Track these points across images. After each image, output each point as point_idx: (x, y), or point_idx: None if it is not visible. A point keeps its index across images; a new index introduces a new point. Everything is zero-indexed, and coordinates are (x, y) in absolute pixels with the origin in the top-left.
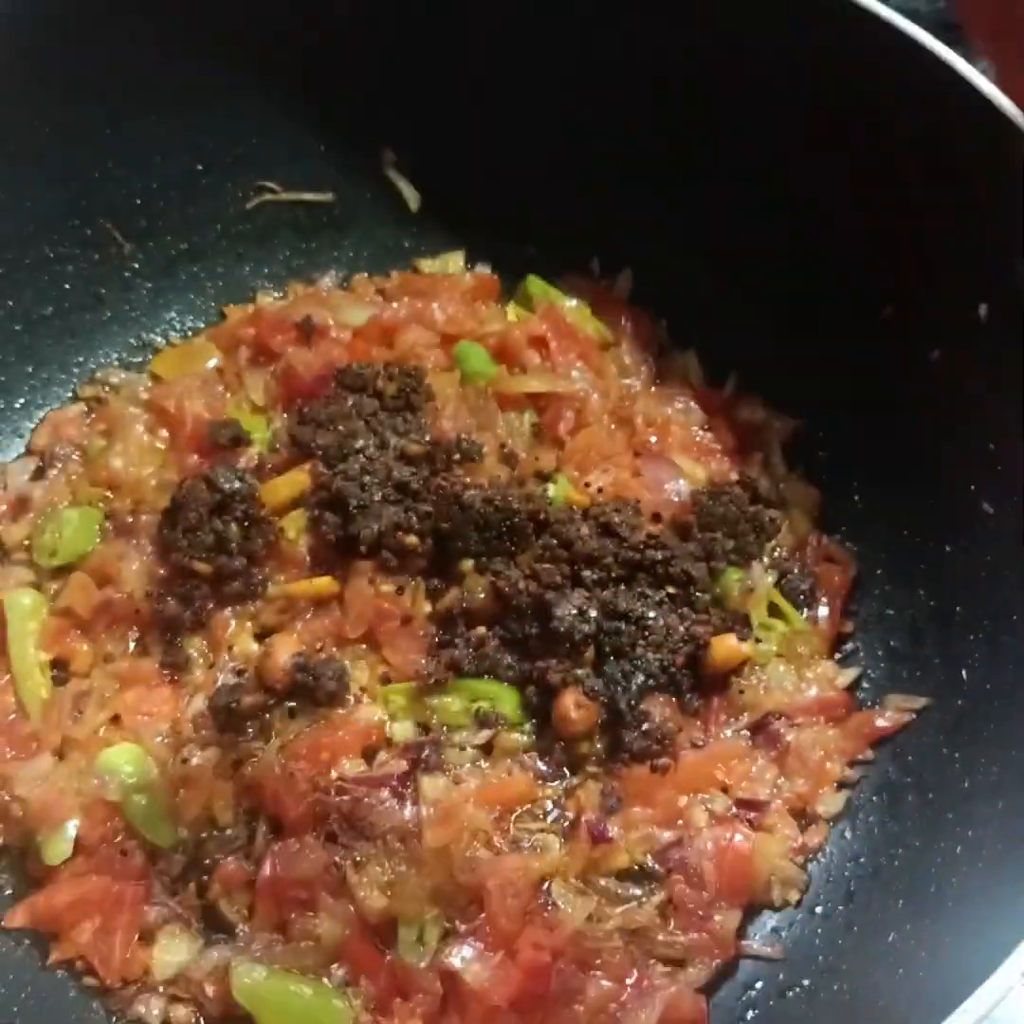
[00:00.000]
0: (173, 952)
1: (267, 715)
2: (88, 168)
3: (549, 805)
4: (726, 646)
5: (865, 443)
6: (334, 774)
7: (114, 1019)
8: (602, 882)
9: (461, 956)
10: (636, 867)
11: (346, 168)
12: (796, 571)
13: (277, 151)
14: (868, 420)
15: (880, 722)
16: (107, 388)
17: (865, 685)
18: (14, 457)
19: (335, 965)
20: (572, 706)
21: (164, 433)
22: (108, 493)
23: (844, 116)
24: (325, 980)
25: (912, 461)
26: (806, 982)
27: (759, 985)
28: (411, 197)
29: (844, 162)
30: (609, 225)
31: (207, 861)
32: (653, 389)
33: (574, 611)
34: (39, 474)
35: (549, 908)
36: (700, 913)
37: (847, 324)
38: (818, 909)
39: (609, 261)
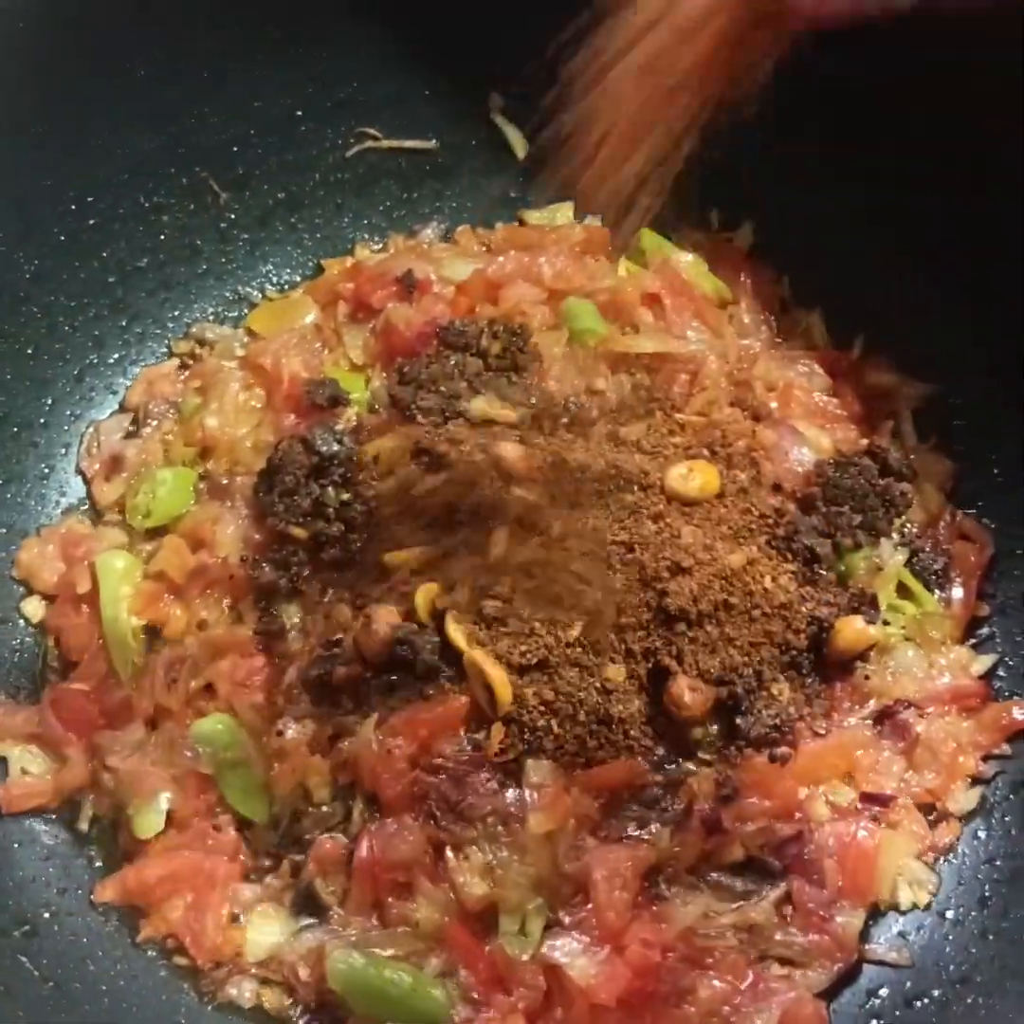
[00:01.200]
0: (266, 933)
1: (365, 689)
2: (184, 113)
3: (660, 793)
4: (852, 629)
5: (1004, 411)
6: (434, 752)
7: (205, 1001)
8: (715, 876)
9: (566, 949)
10: (752, 861)
11: (450, 114)
12: (928, 549)
13: (379, 96)
14: (1008, 386)
15: (1019, 714)
16: (202, 344)
17: (1002, 673)
18: (108, 414)
19: (433, 954)
20: (686, 689)
21: (260, 391)
22: (202, 453)
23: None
24: (422, 968)
25: None
26: (936, 992)
27: (884, 992)
28: (518, 144)
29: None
30: (729, 175)
31: (302, 838)
32: (774, 351)
33: (692, 586)
34: (133, 432)
35: (659, 902)
36: (820, 912)
37: (987, 281)
38: (949, 914)
39: (729, 214)
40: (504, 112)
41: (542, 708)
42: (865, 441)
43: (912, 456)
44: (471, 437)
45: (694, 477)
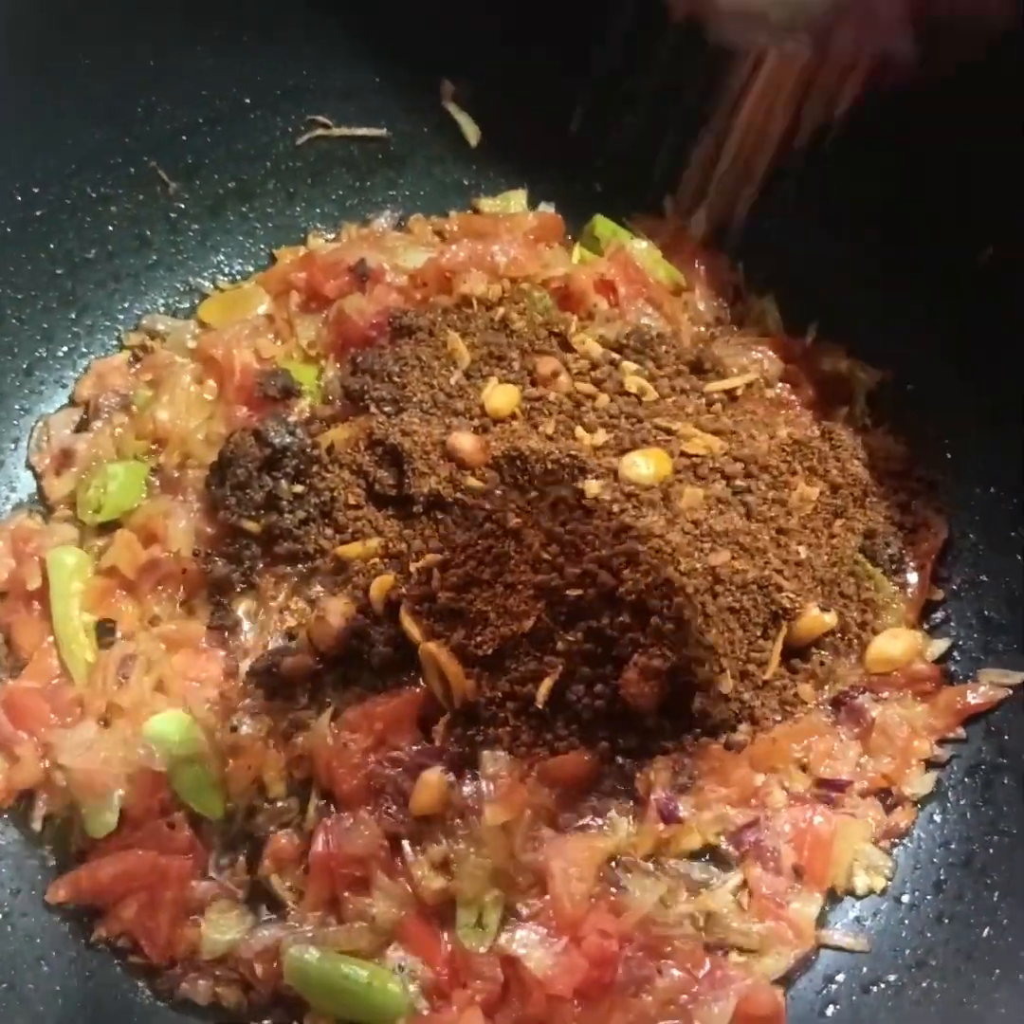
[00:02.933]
0: (222, 930)
1: (319, 682)
2: (131, 102)
3: (616, 782)
4: (809, 616)
5: (957, 396)
6: (390, 745)
7: (161, 999)
8: (672, 864)
9: (523, 941)
10: (709, 849)
11: (402, 101)
12: (882, 534)
13: (329, 84)
14: (961, 371)
15: (973, 698)
16: (153, 336)
17: (957, 657)
18: (57, 408)
19: (390, 948)
20: (641, 679)
21: (212, 383)
22: (154, 447)
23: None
24: (380, 963)
25: (1009, 416)
26: (892, 977)
27: (841, 978)
28: (471, 132)
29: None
30: (683, 163)
31: (257, 834)
32: (729, 337)
33: (646, 576)
34: (83, 426)
35: (616, 891)
36: (777, 899)
37: (939, 268)
38: (905, 898)
39: (682, 201)
40: (456, 99)
41: (498, 699)
42: (817, 429)
43: (866, 441)
44: (424, 428)
45: (647, 464)
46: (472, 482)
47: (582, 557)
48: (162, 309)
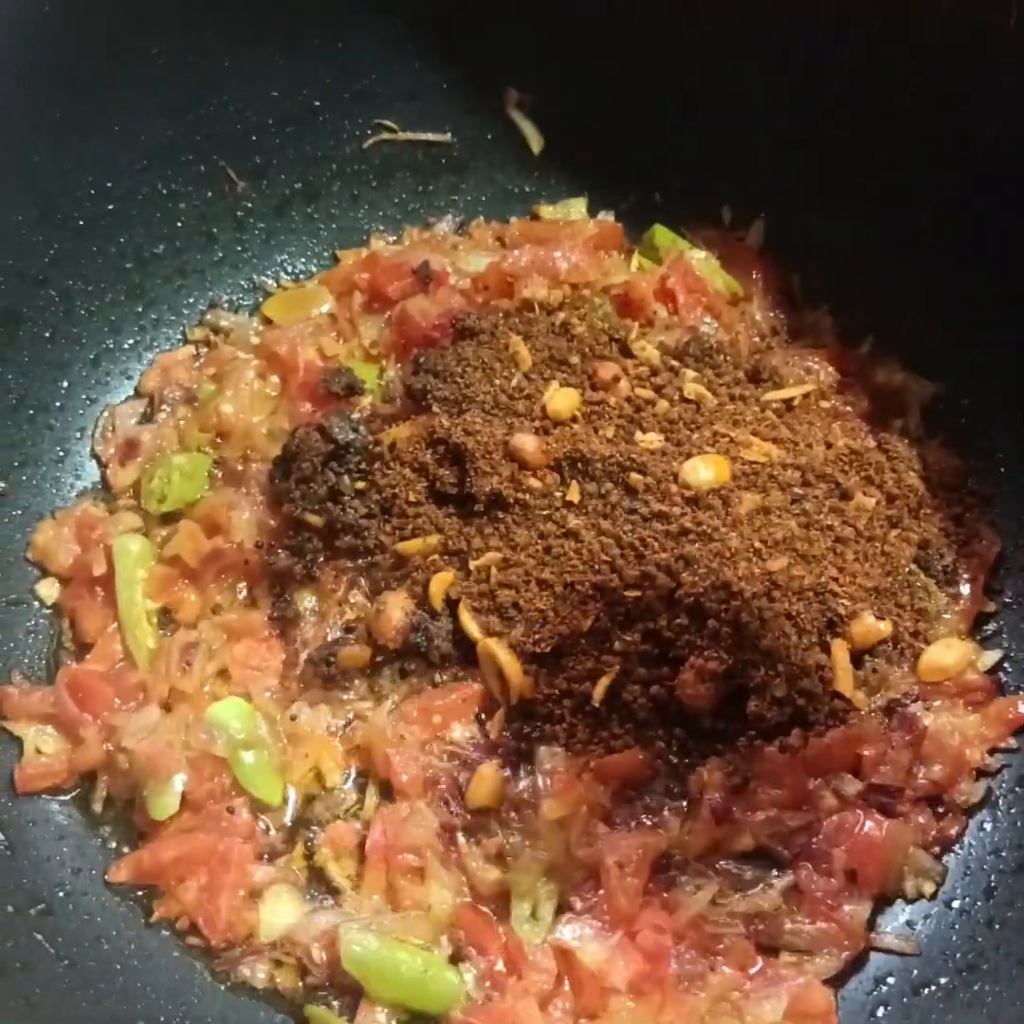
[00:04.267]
0: (280, 914)
1: (377, 675)
2: (203, 100)
3: (670, 782)
4: (863, 624)
5: (1011, 410)
6: (447, 738)
7: (218, 980)
8: (724, 864)
9: (578, 934)
10: (761, 850)
11: (467, 108)
12: (936, 545)
13: (396, 88)
14: (1015, 385)
15: None
16: (217, 331)
17: (1008, 668)
18: (123, 399)
19: (444, 937)
20: (697, 680)
21: (275, 379)
22: (217, 439)
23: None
24: (435, 952)
25: None
26: (943, 980)
27: (891, 980)
28: (534, 139)
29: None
30: (741, 172)
31: (315, 822)
32: (785, 348)
33: (704, 579)
34: (147, 417)
35: (669, 889)
36: (828, 901)
37: (996, 283)
38: (955, 903)
39: (741, 211)
40: (520, 106)
41: (554, 696)
42: (872, 440)
43: (920, 453)
44: (487, 428)
45: (707, 469)
46: (533, 482)
47: (641, 559)
48: (226, 305)
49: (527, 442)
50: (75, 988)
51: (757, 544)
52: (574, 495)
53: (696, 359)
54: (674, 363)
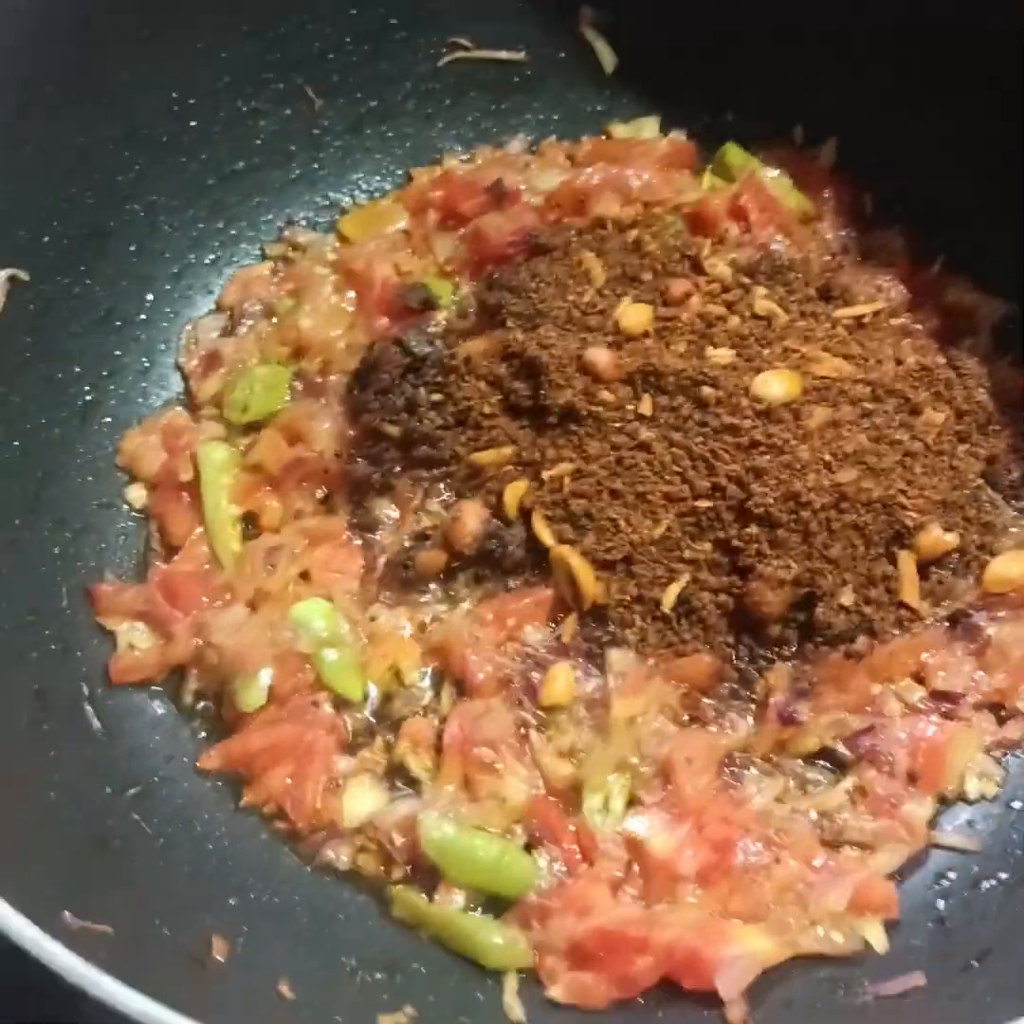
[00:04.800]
0: (362, 802)
1: (454, 580)
2: (282, 19)
3: (738, 685)
4: (930, 536)
5: None
6: (520, 640)
7: (303, 862)
8: (790, 764)
9: (647, 825)
10: (826, 752)
11: (540, 25)
12: (1004, 460)
13: (471, 6)
14: None
15: None
16: (295, 248)
17: None
18: (205, 313)
19: (519, 827)
20: (766, 588)
21: (351, 295)
22: (296, 353)
23: None
24: (511, 839)
25: None
26: (1003, 876)
27: (952, 875)
28: (607, 58)
29: None
30: (814, 91)
31: (394, 717)
32: (856, 266)
33: (774, 489)
34: (228, 331)
35: (736, 787)
36: (891, 800)
37: None
38: (1016, 804)
39: (813, 130)
40: (594, 25)
41: (626, 602)
42: (942, 358)
43: (989, 371)
44: (561, 342)
45: (779, 384)
46: (606, 395)
47: (713, 470)
48: (303, 222)
49: (600, 356)
50: (170, 865)
51: (827, 457)
52: (646, 408)
53: (767, 276)
54: (745, 280)
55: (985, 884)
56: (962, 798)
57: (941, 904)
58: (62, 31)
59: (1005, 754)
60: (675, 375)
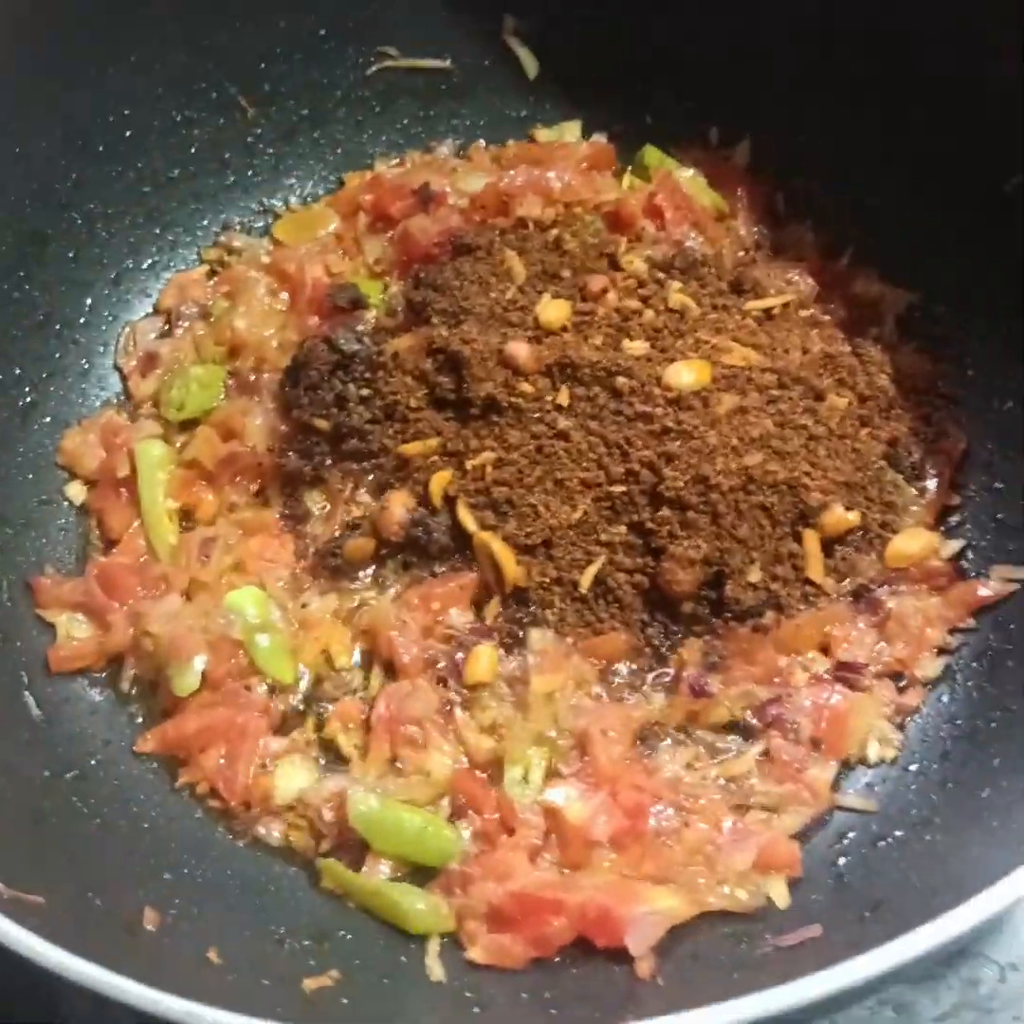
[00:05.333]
0: (293, 779)
1: (381, 566)
2: (215, 30)
3: (652, 661)
4: (834, 515)
5: (983, 317)
6: (445, 623)
7: (236, 838)
8: (701, 734)
9: (564, 795)
10: (735, 723)
11: (466, 34)
12: (905, 443)
13: (397, 15)
14: (987, 294)
15: (983, 591)
16: (230, 252)
17: (970, 556)
18: (142, 316)
19: (445, 801)
20: (678, 567)
21: (284, 296)
22: (230, 352)
23: None
24: (434, 812)
25: None
26: (899, 833)
27: (852, 835)
28: (530, 65)
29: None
30: (728, 94)
31: (324, 699)
32: (768, 261)
33: (684, 473)
34: (166, 333)
35: (649, 755)
36: (796, 765)
37: (970, 196)
38: (913, 767)
39: (728, 132)
40: (517, 33)
41: (545, 584)
42: (848, 347)
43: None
44: (483, 337)
45: (689, 373)
46: (526, 387)
47: (627, 457)
48: (238, 227)
49: (520, 350)
50: (105, 843)
51: (735, 442)
52: (563, 399)
53: (681, 271)
54: (660, 275)
55: (881, 842)
56: (863, 762)
57: (841, 861)
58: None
59: (904, 720)
60: (591, 367)
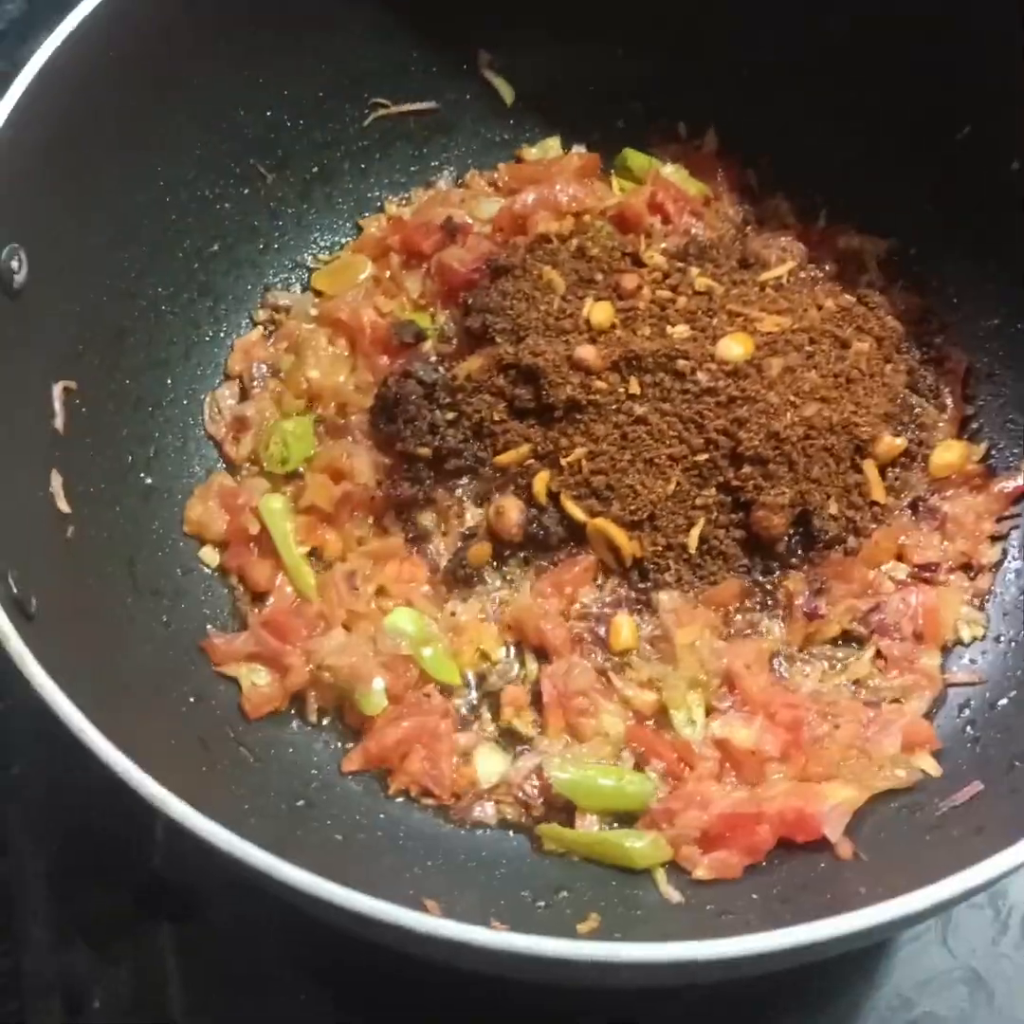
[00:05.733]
0: (491, 765)
1: (504, 567)
2: (229, 112)
3: (765, 598)
4: (884, 443)
5: (953, 249)
6: (578, 603)
7: (458, 827)
8: (818, 650)
9: (729, 726)
10: (845, 634)
11: (446, 75)
12: (919, 370)
13: (384, 68)
14: (953, 230)
15: (1016, 482)
16: (278, 310)
17: (995, 454)
18: (218, 383)
19: (626, 753)
20: (767, 514)
21: (343, 341)
22: (310, 402)
23: None
24: (621, 764)
25: (993, 257)
26: (1013, 693)
27: (973, 703)
28: (506, 92)
29: None
30: (688, 90)
31: (492, 690)
32: (756, 235)
33: (756, 433)
34: (244, 395)
35: (784, 679)
36: (907, 659)
37: (922, 144)
38: (1001, 638)
39: (694, 124)
40: (491, 66)
41: (658, 552)
42: (852, 296)
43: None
44: (549, 347)
45: (737, 346)
46: (600, 384)
47: (702, 428)
48: (279, 286)
49: (588, 352)
50: (351, 856)
51: (791, 398)
52: (635, 388)
53: (696, 257)
54: (680, 264)
55: (1000, 703)
56: (959, 643)
57: (969, 729)
58: (56, 152)
59: (982, 601)
60: (651, 356)
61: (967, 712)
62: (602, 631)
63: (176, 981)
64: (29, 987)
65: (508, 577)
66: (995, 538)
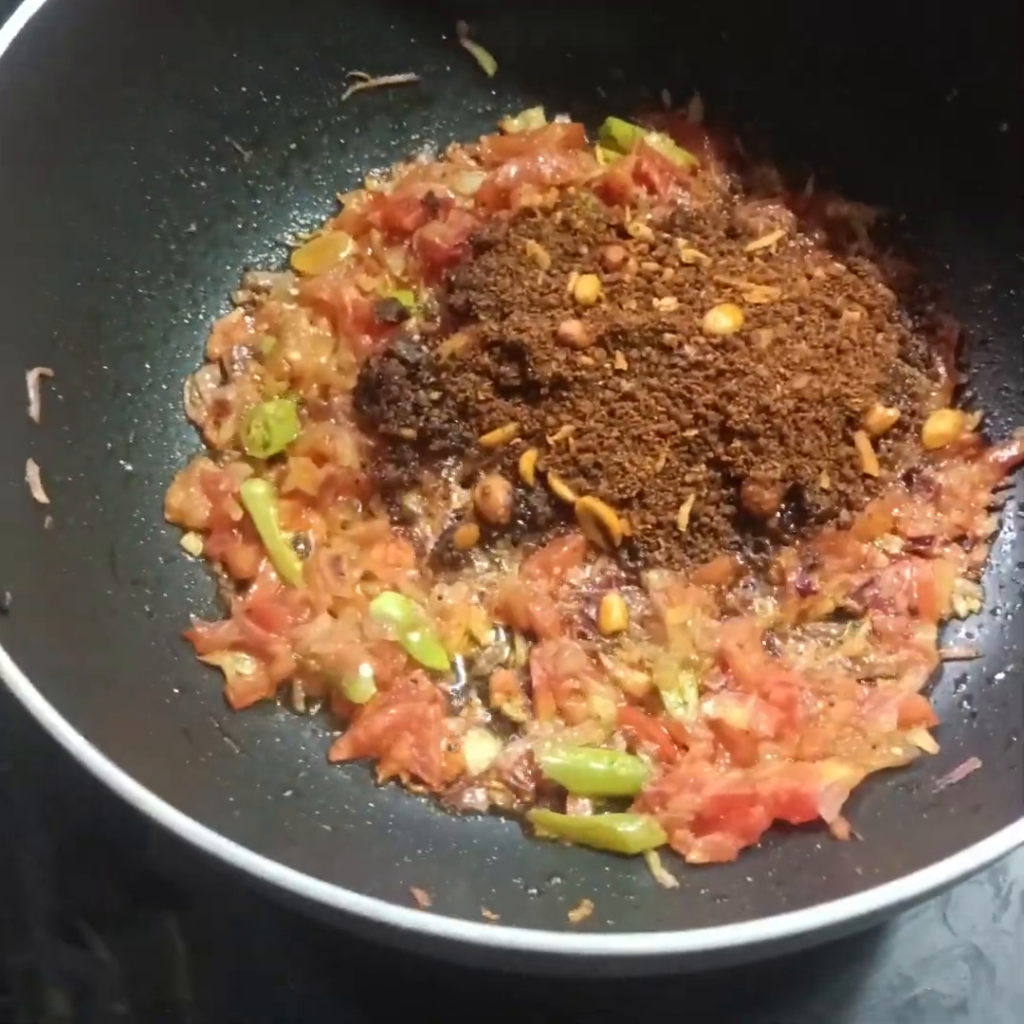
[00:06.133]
0: (480, 751)
1: (493, 548)
2: (204, 88)
3: (758, 575)
4: (876, 414)
5: (943, 214)
6: (566, 583)
7: (449, 813)
8: (814, 626)
9: (721, 706)
10: (839, 610)
11: (426, 46)
12: (910, 339)
13: (361, 40)
14: (943, 195)
15: (1011, 451)
16: (258, 291)
17: (988, 423)
18: (197, 367)
19: (618, 736)
20: (758, 490)
21: (324, 321)
22: (292, 383)
23: None
24: (612, 748)
25: (986, 223)
26: (1010, 667)
27: (969, 678)
28: (487, 63)
29: None
30: (671, 56)
31: (481, 675)
32: (745, 204)
33: (746, 408)
34: (225, 378)
35: (779, 656)
36: (902, 634)
37: (916, 112)
38: (998, 610)
39: (678, 92)
40: (471, 36)
41: (648, 530)
42: (842, 265)
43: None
44: (534, 323)
45: (725, 317)
46: (586, 360)
47: (691, 403)
48: (259, 266)
49: (573, 327)
50: (345, 846)
51: (781, 370)
52: (621, 363)
53: (683, 228)
54: (666, 235)
55: (997, 678)
56: (955, 617)
57: (966, 704)
58: (24, 132)
59: (978, 574)
60: (637, 329)
61: (964, 687)
62: (592, 612)
63: (177, 971)
64: (29, 980)
65: (496, 559)
66: (991, 509)
